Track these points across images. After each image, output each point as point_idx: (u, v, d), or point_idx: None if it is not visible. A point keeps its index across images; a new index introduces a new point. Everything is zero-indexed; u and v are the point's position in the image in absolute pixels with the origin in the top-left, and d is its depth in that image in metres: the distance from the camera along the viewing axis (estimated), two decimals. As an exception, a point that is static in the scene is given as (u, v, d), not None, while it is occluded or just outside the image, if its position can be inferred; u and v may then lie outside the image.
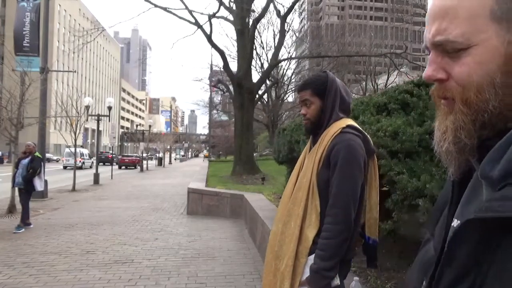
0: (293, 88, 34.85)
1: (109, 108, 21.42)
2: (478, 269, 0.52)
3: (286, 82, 35.86)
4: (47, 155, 51.70)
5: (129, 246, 6.18)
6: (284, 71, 35.67)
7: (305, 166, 1.80)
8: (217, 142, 55.62)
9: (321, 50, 32.90)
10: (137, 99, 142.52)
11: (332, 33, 51.57)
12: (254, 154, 23.59)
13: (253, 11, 19.31)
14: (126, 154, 49.81)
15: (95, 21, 62.29)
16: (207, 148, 66.96)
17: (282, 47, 21.57)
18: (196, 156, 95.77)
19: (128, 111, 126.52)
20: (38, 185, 7.92)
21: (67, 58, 69.35)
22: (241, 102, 16.82)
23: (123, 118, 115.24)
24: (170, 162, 50.73)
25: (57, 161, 48.64)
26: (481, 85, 0.54)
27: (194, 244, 6.34)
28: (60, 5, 72.54)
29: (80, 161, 33.82)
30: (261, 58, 32.94)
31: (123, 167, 37.13)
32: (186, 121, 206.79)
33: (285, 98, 37.85)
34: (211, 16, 16.83)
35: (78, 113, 16.19)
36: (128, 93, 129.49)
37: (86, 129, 58.36)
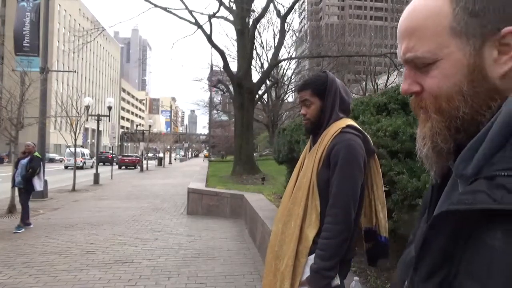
0: (293, 88, 34.84)
1: (109, 108, 21.42)
2: (451, 261, 0.55)
3: (286, 82, 35.87)
4: (51, 155, 51.76)
5: (129, 246, 6.18)
6: (284, 71, 35.68)
7: (305, 166, 1.80)
8: (217, 142, 55.64)
9: (321, 50, 32.89)
10: (137, 99, 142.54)
11: (332, 33, 51.54)
12: (254, 154, 23.59)
13: (253, 11, 19.32)
14: (126, 154, 49.80)
15: (95, 21, 62.31)
16: (207, 148, 66.96)
17: (282, 47, 21.58)
18: (196, 156, 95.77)
19: (128, 111, 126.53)
20: (38, 185, 7.91)
21: (67, 58, 69.37)
22: (241, 102, 16.83)
23: (123, 118, 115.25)
24: (170, 162, 50.74)
25: (60, 161, 48.55)
26: (451, 94, 0.59)
27: (194, 244, 6.34)
28: (60, 5, 72.53)
29: (81, 161, 33.92)
30: (261, 58, 32.96)
31: (123, 167, 37.14)
32: (186, 121, 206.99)
33: (285, 98, 37.85)
34: (211, 16, 16.84)
35: (78, 113, 16.19)
36: (128, 93, 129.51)
37: (86, 129, 58.37)
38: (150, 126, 41.41)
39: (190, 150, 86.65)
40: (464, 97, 0.58)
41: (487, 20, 0.56)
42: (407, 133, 2.97)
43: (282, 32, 18.47)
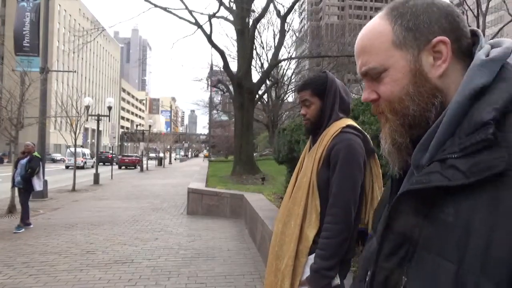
0: (293, 88, 34.83)
1: (109, 108, 21.42)
2: (410, 239, 0.65)
3: (286, 82, 35.87)
4: (53, 155, 51.73)
5: (129, 246, 6.18)
6: (284, 71, 35.69)
7: (305, 165, 1.80)
8: (217, 142, 55.62)
9: (321, 50, 32.88)
10: (137, 99, 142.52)
11: (332, 33, 51.53)
12: (254, 154, 23.58)
13: (253, 11, 19.31)
14: (126, 154, 49.78)
15: (95, 21, 62.35)
16: (207, 148, 66.94)
17: (282, 47, 21.57)
18: (196, 156, 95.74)
19: (128, 111, 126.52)
20: (37, 185, 7.91)
21: (67, 58, 69.37)
22: (241, 102, 16.82)
23: (123, 118, 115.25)
24: (170, 162, 50.74)
25: (63, 161, 48.62)
26: (400, 96, 0.71)
27: (194, 244, 6.34)
28: (60, 5, 72.53)
29: (82, 161, 33.98)
30: (261, 58, 32.95)
31: (123, 167, 37.14)
32: (186, 121, 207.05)
33: (285, 98, 37.85)
34: (211, 16, 16.84)
35: (78, 113, 16.18)
36: (128, 93, 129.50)
37: (86, 129, 58.37)
38: (150, 126, 41.41)
39: (190, 150, 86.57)
40: (411, 97, 0.70)
41: (419, 34, 0.69)
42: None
43: (282, 32, 18.47)
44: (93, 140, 68.97)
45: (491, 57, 0.66)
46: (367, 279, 0.77)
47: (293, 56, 33.02)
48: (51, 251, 5.85)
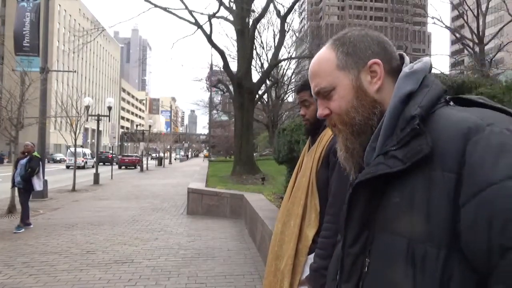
0: (293, 88, 34.81)
1: (109, 108, 21.42)
2: (369, 225, 0.79)
3: (286, 82, 35.86)
4: (55, 155, 51.62)
5: (129, 246, 6.18)
6: (284, 71, 35.69)
7: (304, 165, 1.81)
8: (217, 142, 55.58)
9: (321, 50, 32.80)
10: (137, 99, 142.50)
11: (332, 33, 51.48)
12: (254, 154, 23.58)
13: (253, 11, 19.30)
14: (126, 154, 49.74)
15: (95, 21, 62.34)
16: (207, 148, 66.89)
17: (282, 47, 21.58)
18: (196, 156, 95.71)
19: (128, 111, 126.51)
20: (37, 185, 7.91)
21: (67, 58, 69.36)
22: (241, 102, 16.82)
23: (123, 118, 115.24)
24: (170, 162, 50.73)
25: (63, 161, 48.58)
26: (347, 109, 0.85)
27: (194, 244, 6.34)
28: (60, 5, 72.52)
29: (82, 161, 34.00)
30: (261, 58, 32.95)
31: (123, 167, 37.12)
32: (186, 121, 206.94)
33: (285, 98, 37.84)
34: (211, 16, 16.83)
35: (78, 113, 16.18)
36: (128, 93, 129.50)
37: (86, 129, 58.36)
38: (150, 126, 41.40)
39: (190, 150, 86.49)
40: (356, 109, 0.84)
41: (357, 57, 0.85)
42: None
43: (282, 32, 18.47)
44: (93, 140, 68.96)
45: (413, 69, 0.84)
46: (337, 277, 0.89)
47: (293, 56, 33.03)
48: (51, 251, 5.85)
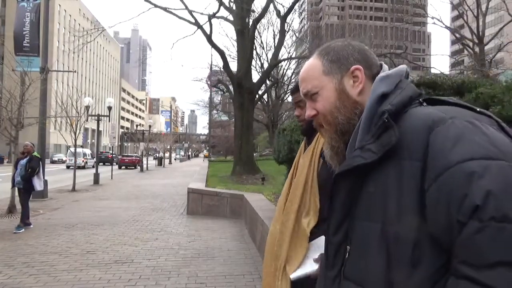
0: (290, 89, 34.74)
1: (109, 108, 21.42)
2: (350, 214, 0.86)
3: (286, 82, 35.84)
4: (57, 155, 51.34)
5: (129, 246, 6.18)
6: (284, 71, 35.67)
7: (301, 165, 1.81)
8: (217, 142, 55.56)
9: (321, 50, 32.79)
10: (137, 99, 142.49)
11: (332, 33, 51.54)
12: (254, 154, 23.58)
13: (253, 11, 19.31)
14: (126, 154, 49.69)
15: (95, 21, 62.29)
16: (207, 148, 66.89)
17: (282, 47, 21.58)
18: (196, 156, 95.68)
19: (128, 111, 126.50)
20: (38, 185, 7.91)
21: (67, 58, 69.36)
22: (241, 102, 16.82)
23: (123, 118, 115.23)
24: (170, 162, 50.72)
25: (62, 161, 48.31)
26: (330, 110, 0.94)
27: (194, 244, 6.34)
28: (60, 5, 72.52)
29: (83, 161, 34.00)
30: (261, 58, 32.93)
31: (123, 167, 37.06)
32: (186, 121, 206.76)
33: (285, 98, 37.80)
34: (211, 16, 16.83)
35: (78, 113, 16.17)
36: (128, 93, 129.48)
37: (86, 129, 58.35)
38: (150, 126, 41.38)
39: (190, 150, 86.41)
40: (338, 110, 0.93)
41: (340, 64, 0.96)
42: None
43: (282, 32, 18.47)
44: (93, 140, 68.93)
45: (387, 74, 0.93)
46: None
47: (293, 56, 33.01)
48: (51, 251, 5.85)
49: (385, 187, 0.78)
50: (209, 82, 33.71)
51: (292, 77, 37.08)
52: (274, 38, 30.82)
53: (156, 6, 16.74)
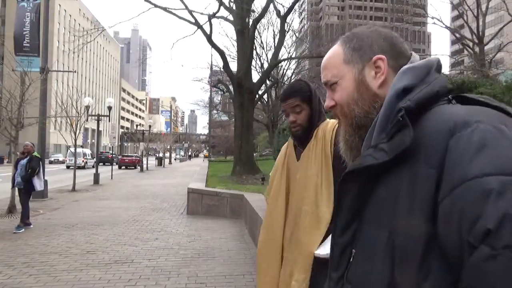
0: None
1: (109, 108, 21.41)
2: (358, 216, 0.80)
3: (286, 82, 35.85)
4: (54, 155, 51.02)
5: (129, 246, 6.18)
6: (284, 71, 35.67)
7: (306, 166, 1.81)
8: (217, 142, 55.55)
9: (321, 50, 32.80)
10: (137, 99, 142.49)
11: (332, 33, 51.53)
12: (254, 154, 23.58)
13: (253, 11, 19.30)
14: (126, 154, 49.65)
15: (95, 21, 62.34)
16: (207, 148, 66.89)
17: (282, 47, 21.57)
18: (196, 156, 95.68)
19: (128, 111, 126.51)
20: (38, 185, 7.91)
21: (67, 58, 69.36)
22: (241, 102, 16.82)
23: (123, 118, 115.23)
24: (170, 162, 50.70)
25: (62, 162, 47.92)
26: (348, 101, 0.88)
27: (194, 244, 6.34)
28: (60, 5, 72.52)
29: (83, 161, 33.99)
30: (261, 58, 32.94)
31: (123, 167, 37.06)
32: (186, 121, 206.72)
33: (285, 98, 37.74)
34: (211, 16, 16.83)
35: (78, 113, 16.17)
36: (128, 93, 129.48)
37: (86, 129, 58.34)
38: (150, 126, 41.39)
39: (190, 150, 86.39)
40: (356, 102, 0.87)
41: (363, 52, 0.88)
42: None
43: (282, 32, 18.46)
44: (93, 140, 68.91)
45: (413, 65, 0.83)
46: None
47: (293, 56, 33.02)
48: (51, 251, 5.85)
49: (396, 192, 0.71)
50: (209, 83, 33.71)
51: (292, 77, 37.12)
52: (274, 38, 30.84)
53: (156, 6, 16.74)
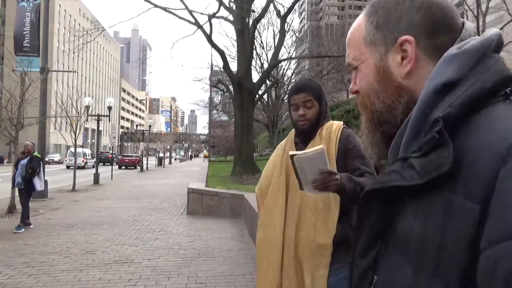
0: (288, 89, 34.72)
1: (109, 108, 21.42)
2: (382, 238, 0.65)
3: (286, 82, 35.85)
4: (50, 155, 50.49)
5: (129, 246, 6.18)
6: (284, 71, 35.67)
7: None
8: (217, 142, 55.55)
9: (321, 50, 32.90)
10: (137, 99, 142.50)
11: (332, 33, 51.55)
12: (254, 154, 23.57)
13: (253, 11, 19.29)
14: (126, 154, 49.62)
15: (95, 21, 62.18)
16: (207, 148, 66.88)
17: (282, 47, 21.57)
18: (196, 156, 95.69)
19: (128, 111, 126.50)
20: (38, 185, 7.91)
21: (67, 58, 69.33)
22: (241, 102, 16.82)
23: (123, 118, 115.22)
24: (170, 162, 50.69)
25: (60, 162, 47.27)
26: (368, 92, 0.71)
27: (194, 244, 6.34)
28: (60, 5, 72.50)
29: (83, 161, 33.97)
30: (261, 58, 32.93)
31: (123, 167, 37.08)
32: (186, 121, 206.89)
33: (285, 98, 37.80)
34: (211, 16, 16.83)
35: (78, 113, 16.18)
36: (128, 93, 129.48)
37: (86, 129, 58.34)
38: (150, 126, 41.42)
39: (191, 150, 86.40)
40: (376, 94, 0.70)
41: (388, 31, 0.68)
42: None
43: (282, 32, 18.46)
44: (93, 140, 68.90)
45: (462, 49, 0.61)
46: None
47: (293, 56, 33.02)
48: (51, 251, 5.85)
49: (426, 222, 0.56)
50: (210, 80, 33.71)
51: (292, 77, 37.11)
52: (274, 38, 30.84)
53: (156, 6, 16.74)
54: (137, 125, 68.95)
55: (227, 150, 49.84)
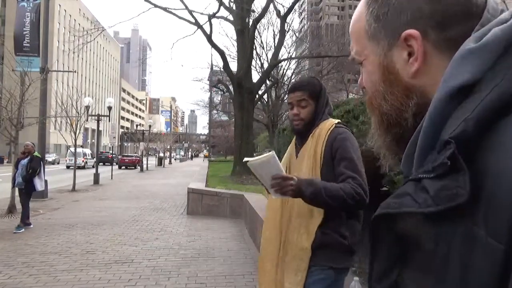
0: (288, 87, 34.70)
1: (109, 108, 21.41)
2: (399, 265, 0.55)
3: (286, 82, 35.82)
4: (47, 155, 49.99)
5: (129, 246, 6.18)
6: (284, 71, 35.62)
7: (297, 166, 1.83)
8: (217, 142, 55.58)
9: (321, 50, 32.87)
10: (137, 99, 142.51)
11: (332, 33, 51.52)
12: (254, 154, 23.57)
13: (253, 11, 19.30)
14: (126, 154, 49.59)
15: (95, 21, 62.19)
16: (207, 148, 66.92)
17: (282, 47, 21.57)
18: (196, 156, 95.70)
19: (128, 111, 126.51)
20: (39, 185, 7.91)
21: (67, 58, 69.35)
22: (241, 102, 16.83)
23: (123, 118, 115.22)
24: (170, 162, 50.69)
25: (58, 162, 46.83)
26: (373, 92, 0.62)
27: (194, 244, 6.34)
28: (60, 5, 72.50)
29: (83, 161, 33.95)
30: (261, 58, 32.88)
31: (123, 167, 37.06)
32: (186, 121, 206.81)
33: (285, 98, 37.78)
34: (211, 16, 16.84)
35: (78, 113, 16.19)
36: (128, 93, 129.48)
37: (86, 129, 58.34)
38: (150, 126, 41.41)
39: (191, 150, 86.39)
40: (383, 95, 0.60)
41: (388, 24, 0.58)
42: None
43: (282, 32, 18.48)
44: (93, 140, 68.89)
45: (482, 42, 0.49)
46: None
47: (293, 56, 33.00)
48: (51, 251, 5.85)
49: (445, 253, 0.47)
50: (210, 80, 33.72)
51: (292, 77, 37.10)
52: (274, 38, 30.80)
53: (156, 6, 16.75)
54: (137, 125, 69.03)
55: (227, 150, 49.92)
